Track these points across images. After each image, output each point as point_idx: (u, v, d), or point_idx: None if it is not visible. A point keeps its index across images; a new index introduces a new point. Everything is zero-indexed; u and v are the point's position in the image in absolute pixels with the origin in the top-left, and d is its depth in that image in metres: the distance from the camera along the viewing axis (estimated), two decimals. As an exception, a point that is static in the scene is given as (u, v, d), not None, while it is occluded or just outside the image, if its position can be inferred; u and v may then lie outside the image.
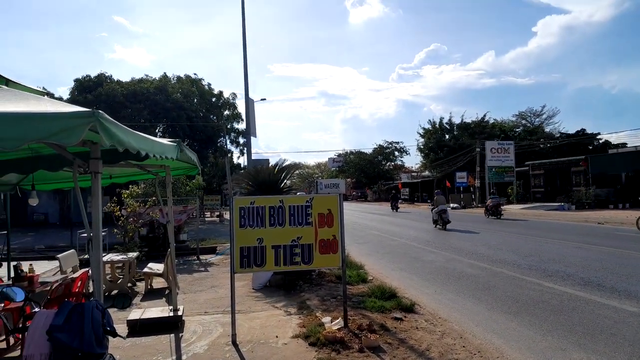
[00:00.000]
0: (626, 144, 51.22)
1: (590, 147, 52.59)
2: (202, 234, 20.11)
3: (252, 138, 24.64)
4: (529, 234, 18.18)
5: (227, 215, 31.70)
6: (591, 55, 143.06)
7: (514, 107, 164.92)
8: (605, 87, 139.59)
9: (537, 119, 61.38)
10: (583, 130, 55.32)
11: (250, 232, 5.89)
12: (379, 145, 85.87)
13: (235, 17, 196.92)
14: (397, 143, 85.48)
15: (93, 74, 40.26)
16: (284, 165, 10.96)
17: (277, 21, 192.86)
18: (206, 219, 34.26)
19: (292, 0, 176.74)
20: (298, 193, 14.66)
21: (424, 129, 64.25)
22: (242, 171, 30.53)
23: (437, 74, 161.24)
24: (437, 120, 63.45)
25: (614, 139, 55.37)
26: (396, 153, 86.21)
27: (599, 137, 54.51)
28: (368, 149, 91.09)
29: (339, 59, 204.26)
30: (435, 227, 21.67)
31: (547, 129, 60.31)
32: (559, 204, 35.61)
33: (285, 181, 11.14)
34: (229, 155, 47.61)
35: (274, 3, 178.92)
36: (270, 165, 11.77)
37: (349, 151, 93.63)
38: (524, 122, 62.28)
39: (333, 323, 6.27)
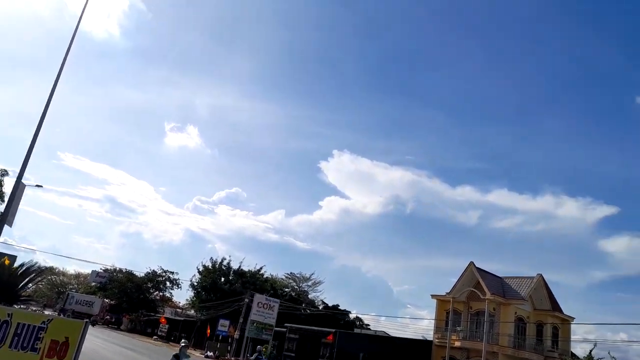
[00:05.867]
0: (369, 325, 58.21)
1: (342, 322, 58.18)
2: None
3: (6, 226, 21.30)
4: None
5: None
6: (358, 239, 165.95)
7: (288, 267, 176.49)
8: (363, 270, 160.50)
9: (305, 284, 66.62)
10: (337, 305, 61.66)
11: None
12: (153, 270, 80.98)
13: (41, 88, 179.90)
14: (172, 273, 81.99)
15: None
16: (32, 268, 9.72)
17: (87, 111, 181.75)
18: None
19: (114, 101, 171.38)
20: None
21: (204, 266, 63.55)
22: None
23: (231, 215, 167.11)
24: (219, 261, 63.89)
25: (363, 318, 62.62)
26: (168, 283, 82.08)
27: (350, 314, 61.12)
28: (140, 271, 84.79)
29: (139, 170, 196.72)
30: None
31: (310, 295, 65.49)
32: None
33: (29, 285, 9.77)
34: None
35: (94, 95, 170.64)
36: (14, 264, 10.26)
37: (118, 269, 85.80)
38: (293, 283, 66.84)
39: None
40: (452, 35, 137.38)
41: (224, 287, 58.61)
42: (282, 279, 66.93)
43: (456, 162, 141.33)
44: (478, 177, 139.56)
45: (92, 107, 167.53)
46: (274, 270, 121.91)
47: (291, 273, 67.72)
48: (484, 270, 43.57)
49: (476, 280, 41.90)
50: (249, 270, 62.11)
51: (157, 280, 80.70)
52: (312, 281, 66.43)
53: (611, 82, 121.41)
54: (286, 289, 64.28)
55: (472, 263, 43.14)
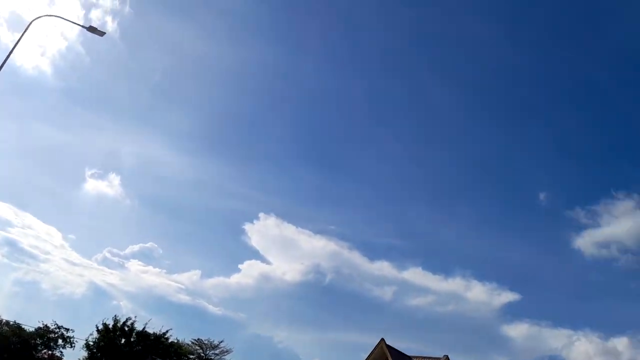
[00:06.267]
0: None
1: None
2: None
3: None
4: None
5: None
6: (274, 307, 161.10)
7: (197, 332, 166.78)
8: (275, 340, 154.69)
9: (212, 352, 63.36)
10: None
11: None
12: (46, 325, 73.41)
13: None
14: (68, 330, 74.66)
15: None
16: None
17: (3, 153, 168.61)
18: None
19: (32, 139, 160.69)
20: None
21: (104, 324, 58.90)
22: None
23: (142, 272, 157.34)
24: (122, 320, 59.46)
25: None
26: (60, 341, 74.53)
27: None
28: (31, 326, 76.43)
29: (49, 215, 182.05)
30: None
31: (218, 365, 62.19)
32: None
33: None
34: None
35: (8, 131, 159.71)
36: None
37: (5, 321, 76.95)
38: (199, 350, 63.33)
39: None
40: (382, 118, 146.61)
41: (123, 349, 54.49)
42: (188, 344, 63.28)
43: (377, 237, 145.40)
44: (396, 253, 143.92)
45: (3, 143, 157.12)
46: (181, 334, 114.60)
47: (199, 339, 64.35)
48: (394, 348, 43.96)
49: (385, 358, 42.11)
50: (154, 333, 58.40)
51: (49, 337, 73.21)
52: (220, 349, 63.40)
53: (520, 177, 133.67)
54: (191, 356, 60.66)
55: (382, 340, 43.48)
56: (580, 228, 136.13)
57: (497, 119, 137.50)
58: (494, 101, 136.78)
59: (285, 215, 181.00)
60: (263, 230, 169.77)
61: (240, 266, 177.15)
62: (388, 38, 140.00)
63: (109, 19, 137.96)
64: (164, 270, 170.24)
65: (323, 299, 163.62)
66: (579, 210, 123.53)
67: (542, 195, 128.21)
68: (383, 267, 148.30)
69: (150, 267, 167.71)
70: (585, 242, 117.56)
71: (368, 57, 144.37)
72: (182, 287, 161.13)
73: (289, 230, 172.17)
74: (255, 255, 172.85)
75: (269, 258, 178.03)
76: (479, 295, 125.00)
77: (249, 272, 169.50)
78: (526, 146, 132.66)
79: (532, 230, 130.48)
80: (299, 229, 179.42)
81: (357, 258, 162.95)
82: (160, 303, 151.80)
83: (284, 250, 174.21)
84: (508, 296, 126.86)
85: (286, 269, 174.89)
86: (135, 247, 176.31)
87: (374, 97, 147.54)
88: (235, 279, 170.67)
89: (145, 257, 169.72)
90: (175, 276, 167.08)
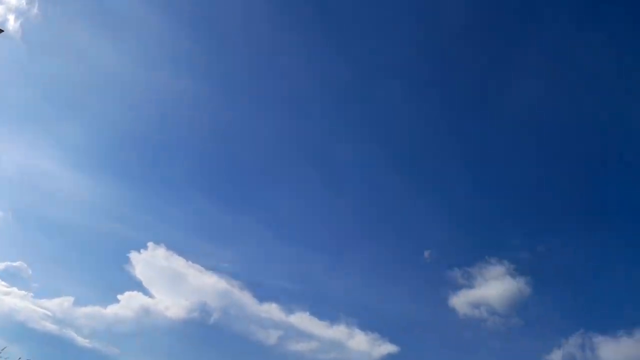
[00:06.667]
0: None
1: None
2: None
3: None
4: None
5: None
6: (151, 343, 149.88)
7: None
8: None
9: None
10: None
11: None
12: None
13: None
14: None
15: None
16: None
17: None
18: None
19: None
20: None
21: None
22: None
23: (5, 293, 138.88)
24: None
25: None
26: None
27: None
28: None
29: None
30: None
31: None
32: None
33: None
34: None
35: None
36: None
37: None
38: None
39: None
40: (287, 161, 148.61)
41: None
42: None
43: (269, 279, 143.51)
44: (285, 296, 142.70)
45: None
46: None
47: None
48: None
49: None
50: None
51: None
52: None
53: (409, 234, 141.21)
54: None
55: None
56: (456, 287, 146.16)
57: (394, 174, 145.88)
58: (388, 157, 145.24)
59: (177, 247, 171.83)
60: (150, 261, 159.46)
61: (119, 296, 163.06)
62: (299, 86, 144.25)
63: (11, 17, 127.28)
64: (31, 294, 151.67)
65: (206, 338, 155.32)
66: (457, 270, 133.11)
67: (426, 253, 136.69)
68: (271, 310, 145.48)
69: (15, 289, 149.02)
70: (460, 301, 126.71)
71: (280, 102, 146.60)
72: (50, 314, 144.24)
73: (179, 263, 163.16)
74: (137, 286, 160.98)
75: (152, 291, 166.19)
76: (361, 344, 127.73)
77: (128, 304, 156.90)
78: (418, 203, 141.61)
79: (415, 285, 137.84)
80: (190, 263, 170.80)
81: (247, 298, 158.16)
82: (19, 330, 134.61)
83: (170, 284, 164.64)
84: (388, 347, 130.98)
85: (170, 304, 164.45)
86: (0, 265, 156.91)
87: (283, 139, 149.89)
88: (112, 309, 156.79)
89: (11, 277, 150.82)
90: (43, 301, 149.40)
